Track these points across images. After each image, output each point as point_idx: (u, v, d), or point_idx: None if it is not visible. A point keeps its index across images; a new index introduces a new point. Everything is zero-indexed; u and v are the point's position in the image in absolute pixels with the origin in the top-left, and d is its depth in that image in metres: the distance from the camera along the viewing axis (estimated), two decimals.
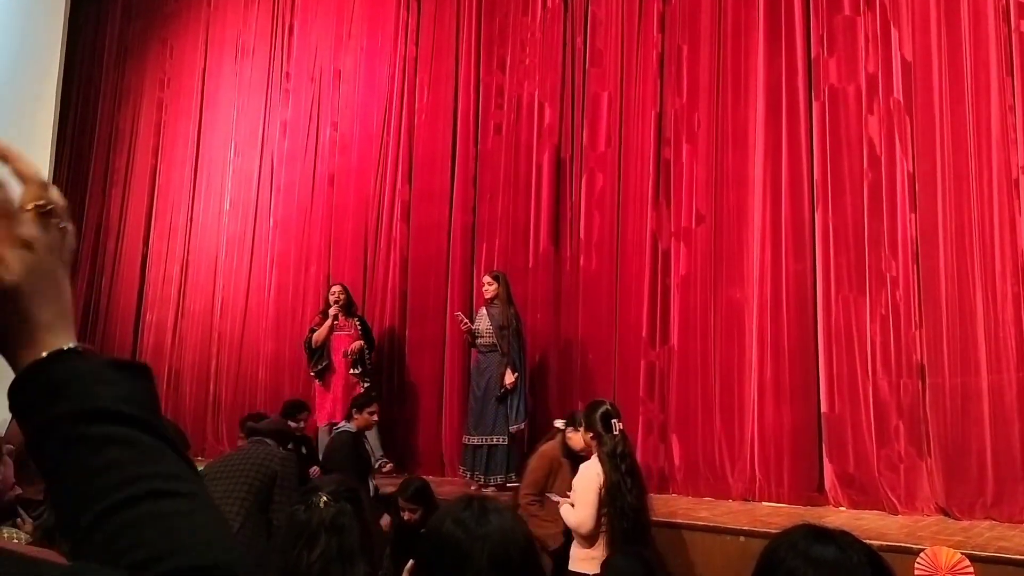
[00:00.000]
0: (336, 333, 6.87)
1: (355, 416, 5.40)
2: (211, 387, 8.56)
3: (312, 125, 8.40)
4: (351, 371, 6.76)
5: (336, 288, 7.02)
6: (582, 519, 3.86)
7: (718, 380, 5.82)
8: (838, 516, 4.97)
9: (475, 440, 6.03)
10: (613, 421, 3.99)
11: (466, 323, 6.21)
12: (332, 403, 6.77)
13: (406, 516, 4.32)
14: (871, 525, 4.59)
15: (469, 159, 7.27)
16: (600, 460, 3.92)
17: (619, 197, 6.46)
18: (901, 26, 5.48)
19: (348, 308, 6.97)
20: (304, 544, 1.81)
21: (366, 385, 6.70)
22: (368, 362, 6.86)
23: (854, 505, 5.22)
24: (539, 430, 6.33)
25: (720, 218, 6.00)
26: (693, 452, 5.82)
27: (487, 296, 6.18)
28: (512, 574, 1.48)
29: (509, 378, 5.93)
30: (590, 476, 3.90)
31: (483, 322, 6.16)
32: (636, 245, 6.31)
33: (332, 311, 6.88)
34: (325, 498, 1.88)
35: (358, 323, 6.94)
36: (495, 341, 6.04)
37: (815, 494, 5.38)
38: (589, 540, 3.84)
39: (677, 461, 5.88)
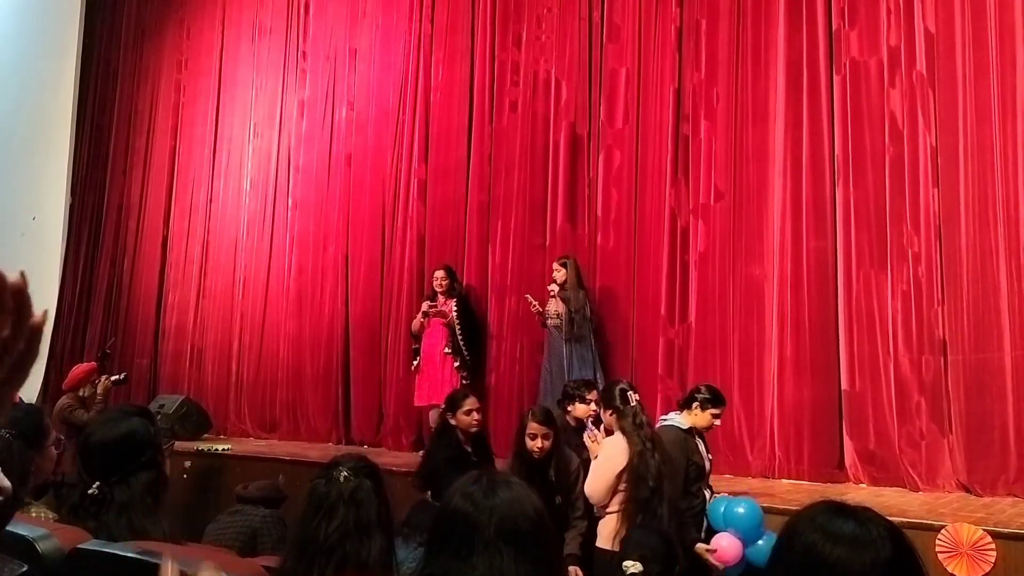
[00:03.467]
0: (432, 317, 6.66)
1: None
2: (233, 366, 8.63)
3: (329, 104, 8.39)
4: (444, 350, 6.56)
5: (439, 273, 6.71)
6: (595, 490, 3.86)
7: (737, 357, 5.80)
8: (858, 493, 4.96)
9: None
10: (629, 394, 4.04)
11: (536, 306, 6.23)
12: (421, 385, 6.62)
13: (538, 444, 3.81)
14: (892, 502, 4.57)
15: (485, 136, 7.24)
16: (624, 434, 3.93)
17: (637, 174, 6.42)
18: None
19: (450, 290, 6.70)
20: (323, 516, 1.84)
21: (456, 366, 6.54)
22: (461, 343, 6.56)
23: (875, 482, 5.20)
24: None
25: (740, 194, 5.95)
26: (712, 429, 5.80)
27: (558, 281, 6.14)
28: (521, 544, 1.49)
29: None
30: (616, 452, 3.89)
31: (553, 304, 6.16)
32: (654, 222, 6.28)
33: (425, 307, 6.62)
34: (345, 472, 1.91)
35: (455, 304, 6.64)
36: (560, 323, 6.05)
37: (835, 471, 5.38)
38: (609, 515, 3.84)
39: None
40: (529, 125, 6.97)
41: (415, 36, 7.79)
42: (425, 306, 6.62)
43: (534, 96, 6.99)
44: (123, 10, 10.47)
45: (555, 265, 6.25)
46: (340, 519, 1.83)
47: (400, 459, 6.31)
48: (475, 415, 4.29)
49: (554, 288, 6.13)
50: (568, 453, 4.05)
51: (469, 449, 4.28)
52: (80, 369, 6.40)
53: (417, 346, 6.76)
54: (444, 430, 4.41)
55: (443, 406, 4.61)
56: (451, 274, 6.76)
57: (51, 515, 2.20)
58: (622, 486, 3.80)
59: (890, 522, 1.36)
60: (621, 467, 3.83)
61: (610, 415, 4.07)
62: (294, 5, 8.87)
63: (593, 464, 3.97)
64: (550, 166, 6.82)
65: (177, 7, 9.97)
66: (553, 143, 6.83)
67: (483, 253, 7.11)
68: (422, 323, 6.67)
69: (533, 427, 3.83)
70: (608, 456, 3.90)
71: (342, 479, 1.90)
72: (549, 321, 6.20)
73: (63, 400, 6.01)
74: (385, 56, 8.02)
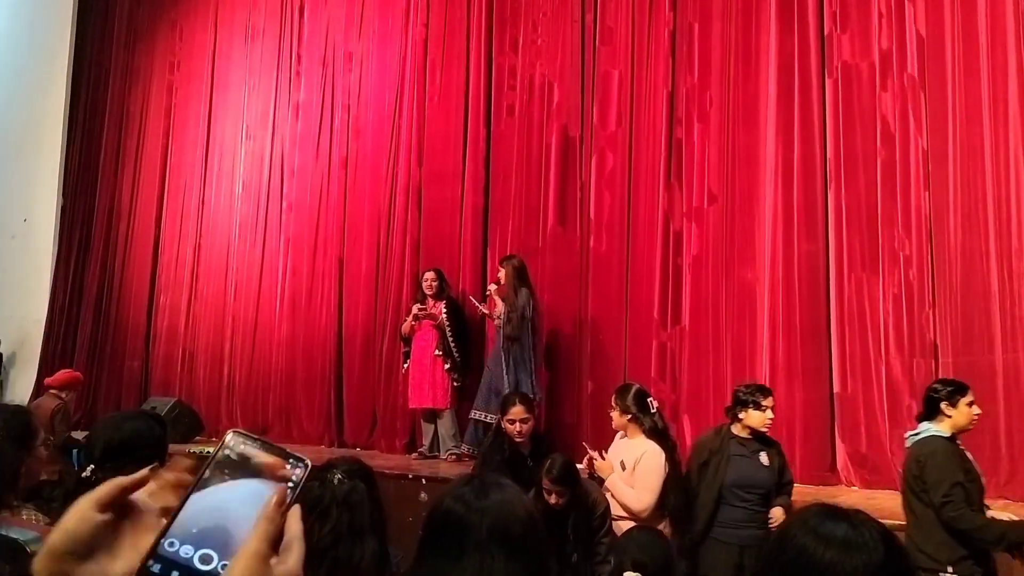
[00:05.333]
0: (423, 319, 6.58)
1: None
2: (225, 369, 8.60)
3: (325, 108, 8.37)
4: (435, 352, 6.51)
5: (429, 275, 6.65)
6: (649, 503, 3.85)
7: (730, 360, 5.81)
8: (851, 496, 4.97)
9: (479, 415, 6.06)
10: (648, 400, 4.06)
11: (482, 308, 6.26)
12: (414, 388, 6.55)
13: (552, 500, 3.61)
14: (884, 504, 4.58)
15: (480, 140, 7.23)
16: (652, 438, 3.97)
17: (630, 177, 6.42)
18: (916, 1, 5.41)
19: (440, 292, 6.63)
20: (316, 518, 1.84)
21: (446, 368, 6.46)
22: (452, 345, 6.49)
23: (867, 485, 5.22)
24: (548, 411, 6.36)
25: (732, 198, 5.97)
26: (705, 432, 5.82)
27: (501, 281, 6.17)
28: (513, 546, 1.48)
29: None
30: (659, 460, 3.90)
31: (498, 306, 6.18)
32: (647, 225, 6.29)
33: (415, 310, 6.54)
34: (339, 475, 1.91)
35: (444, 306, 6.56)
36: (503, 322, 6.05)
37: (827, 474, 5.39)
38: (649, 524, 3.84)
39: (689, 441, 5.87)
40: (525, 129, 6.97)
41: (410, 40, 7.78)
42: (415, 308, 6.60)
43: (530, 100, 6.99)
44: (115, 12, 10.43)
45: (500, 264, 6.26)
46: (333, 522, 1.83)
47: (393, 462, 6.30)
48: (519, 425, 4.13)
49: (492, 288, 6.13)
50: (594, 501, 3.81)
51: (526, 452, 4.19)
52: (71, 373, 6.37)
53: (407, 349, 6.73)
54: (497, 433, 4.35)
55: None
56: (441, 276, 6.71)
57: (42, 517, 2.18)
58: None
59: (882, 525, 1.36)
60: (665, 473, 3.87)
61: (629, 419, 4.05)
62: (288, 8, 8.85)
63: (635, 476, 3.92)
64: (544, 170, 6.82)
65: (169, 9, 9.94)
66: (547, 146, 6.83)
67: (479, 258, 7.09)
68: (412, 326, 6.63)
69: (546, 483, 3.62)
70: (655, 465, 3.90)
71: (336, 482, 1.90)
72: (496, 322, 6.19)
73: (50, 400, 5.98)
74: (381, 60, 8.01)
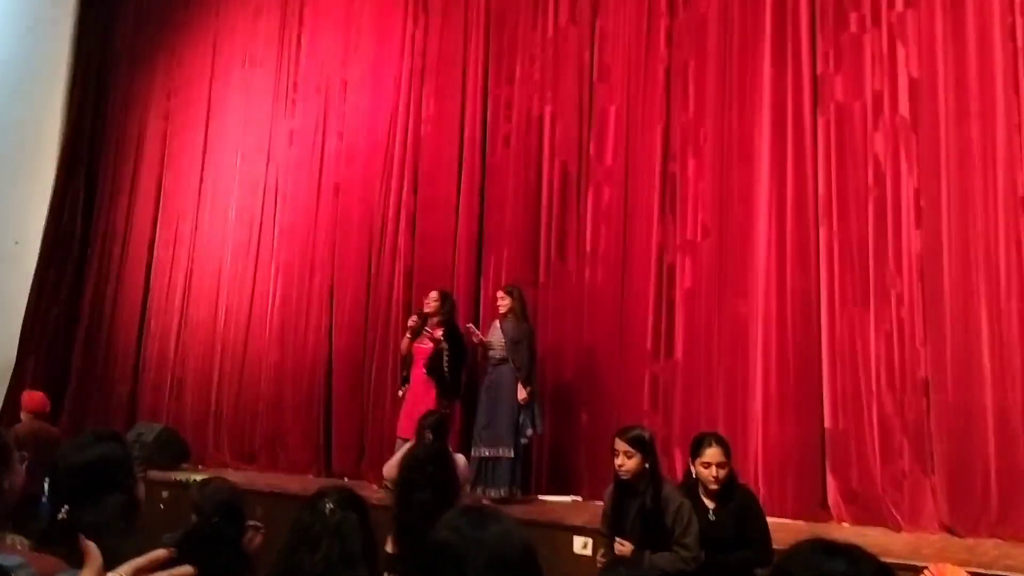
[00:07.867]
0: (417, 344, 6.35)
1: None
2: (213, 396, 8.53)
3: (319, 135, 8.40)
4: (427, 375, 6.24)
5: (432, 294, 6.44)
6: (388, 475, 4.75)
7: (722, 394, 5.81)
8: (841, 532, 4.95)
9: (483, 452, 5.92)
10: (426, 432, 4.80)
11: (478, 335, 6.17)
12: (404, 416, 6.21)
13: (619, 461, 3.52)
14: (875, 542, 4.56)
15: (476, 170, 7.26)
16: None
17: (625, 210, 6.46)
18: (908, 44, 5.50)
19: (442, 316, 6.33)
20: (307, 547, 1.83)
21: (437, 394, 6.14)
22: (445, 370, 6.17)
23: (857, 521, 5.20)
24: (545, 441, 6.33)
25: (725, 232, 6.00)
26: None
27: (501, 310, 6.11)
28: None
29: (522, 393, 5.87)
30: (395, 461, 4.83)
31: (495, 335, 6.10)
32: (642, 258, 6.32)
33: (410, 322, 6.38)
34: (331, 505, 1.89)
35: (443, 331, 6.27)
36: (506, 355, 5.99)
37: (819, 510, 5.37)
38: None
39: (680, 475, 5.85)
40: (522, 160, 7.01)
41: (407, 70, 7.85)
42: (411, 320, 6.43)
43: (527, 132, 7.04)
44: (114, 37, 10.50)
45: (500, 294, 6.19)
46: (324, 551, 1.82)
47: (382, 493, 6.23)
48: (715, 469, 3.67)
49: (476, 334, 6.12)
50: (669, 494, 3.56)
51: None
52: (43, 397, 6.35)
53: (406, 372, 6.50)
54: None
55: None
56: (444, 298, 6.43)
57: (27, 542, 2.15)
58: None
59: (879, 561, 1.35)
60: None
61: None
62: (286, 37, 8.92)
63: None
64: (542, 202, 6.84)
65: (168, 36, 10.01)
66: (543, 179, 6.87)
67: (472, 287, 7.09)
68: (408, 340, 6.40)
69: (616, 443, 3.56)
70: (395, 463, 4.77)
71: (327, 511, 1.89)
72: (490, 352, 6.11)
73: (40, 425, 5.95)
74: (376, 88, 8.07)
